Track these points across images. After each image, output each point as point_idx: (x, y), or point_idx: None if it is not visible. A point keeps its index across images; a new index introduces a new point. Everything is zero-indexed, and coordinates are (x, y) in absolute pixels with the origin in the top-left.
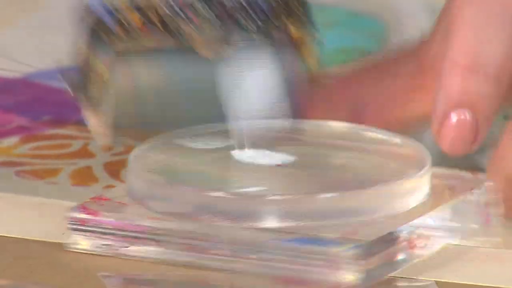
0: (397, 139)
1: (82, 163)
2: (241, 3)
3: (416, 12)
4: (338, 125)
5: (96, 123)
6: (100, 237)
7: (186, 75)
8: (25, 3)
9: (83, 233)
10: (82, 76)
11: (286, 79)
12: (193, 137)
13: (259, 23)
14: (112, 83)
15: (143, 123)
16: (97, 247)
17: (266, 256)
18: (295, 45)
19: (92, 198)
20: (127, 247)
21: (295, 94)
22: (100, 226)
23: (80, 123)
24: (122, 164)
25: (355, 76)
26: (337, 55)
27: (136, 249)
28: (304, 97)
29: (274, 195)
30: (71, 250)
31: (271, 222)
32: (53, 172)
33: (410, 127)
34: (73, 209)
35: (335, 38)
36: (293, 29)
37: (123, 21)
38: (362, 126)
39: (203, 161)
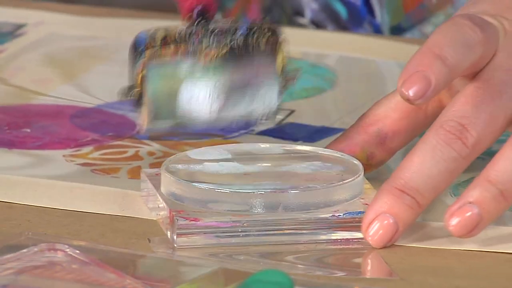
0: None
1: (135, 163)
2: (229, 27)
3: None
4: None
5: (142, 115)
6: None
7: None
8: (98, 56)
9: (189, 234)
10: (131, 86)
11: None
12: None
13: (242, 36)
14: (146, 81)
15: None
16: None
17: None
18: (269, 51)
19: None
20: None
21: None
22: (203, 227)
23: (132, 137)
24: (161, 164)
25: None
26: (301, 92)
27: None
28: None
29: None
30: (181, 247)
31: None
32: (116, 169)
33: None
34: (178, 219)
35: (301, 81)
36: (266, 38)
37: (152, 38)
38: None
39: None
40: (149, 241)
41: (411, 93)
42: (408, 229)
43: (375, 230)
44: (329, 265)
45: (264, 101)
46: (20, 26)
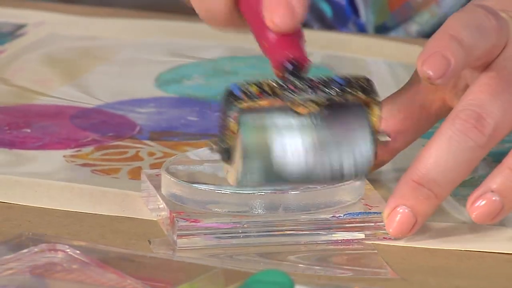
0: None
1: (135, 164)
2: (324, 79)
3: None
4: None
5: (233, 169)
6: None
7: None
8: (98, 57)
9: (190, 236)
10: (222, 136)
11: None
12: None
13: (337, 90)
14: (240, 135)
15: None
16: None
17: None
18: (365, 107)
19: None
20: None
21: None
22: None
23: (133, 137)
24: (161, 165)
25: None
26: None
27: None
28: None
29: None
30: (181, 248)
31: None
32: (116, 170)
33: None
34: (179, 220)
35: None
36: (361, 95)
37: (245, 91)
38: None
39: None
40: (150, 243)
41: (431, 72)
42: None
43: (393, 221)
44: (329, 265)
45: (357, 157)
46: (20, 27)
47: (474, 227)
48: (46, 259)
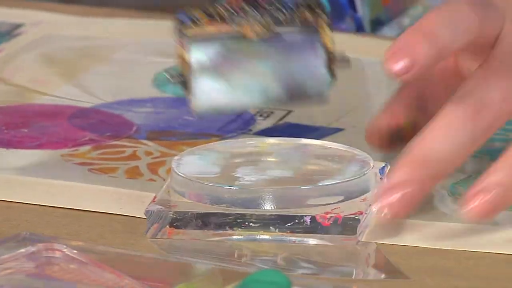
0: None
1: (132, 163)
2: (273, 2)
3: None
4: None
5: (190, 98)
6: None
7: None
8: (96, 57)
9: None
10: (176, 68)
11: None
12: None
13: (286, 13)
14: (190, 61)
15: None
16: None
17: None
18: (315, 26)
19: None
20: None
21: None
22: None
23: (130, 137)
24: (159, 164)
25: None
26: None
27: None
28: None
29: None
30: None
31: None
32: (113, 169)
33: None
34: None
35: None
36: (308, 15)
37: (194, 19)
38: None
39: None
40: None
41: (396, 67)
42: (407, 229)
43: (389, 201)
44: (326, 265)
45: (310, 77)
46: (17, 26)
47: (472, 227)
48: (44, 259)
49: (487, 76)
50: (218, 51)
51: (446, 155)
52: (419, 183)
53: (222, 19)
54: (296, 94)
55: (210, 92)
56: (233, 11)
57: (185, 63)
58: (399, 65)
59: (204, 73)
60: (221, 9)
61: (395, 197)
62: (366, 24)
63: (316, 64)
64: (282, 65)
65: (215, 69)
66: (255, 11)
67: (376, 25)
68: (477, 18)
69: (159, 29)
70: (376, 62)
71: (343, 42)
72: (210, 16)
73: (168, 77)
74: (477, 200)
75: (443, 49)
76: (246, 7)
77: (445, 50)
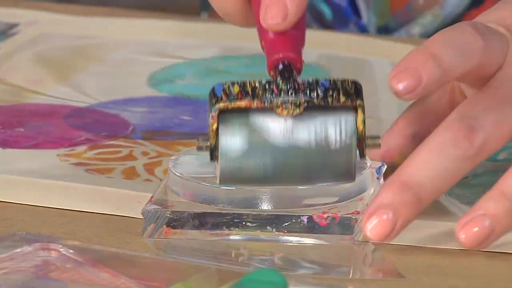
0: None
1: (129, 164)
2: (310, 82)
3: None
4: None
5: (217, 168)
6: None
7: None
8: (92, 56)
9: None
10: (207, 135)
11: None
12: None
13: (319, 93)
14: (219, 134)
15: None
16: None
17: None
18: (351, 110)
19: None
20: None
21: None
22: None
23: (126, 137)
24: (155, 165)
25: None
26: None
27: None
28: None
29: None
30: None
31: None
32: (110, 169)
33: None
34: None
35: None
36: (342, 98)
37: (227, 92)
38: None
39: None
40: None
41: (400, 86)
42: (404, 228)
43: (374, 224)
44: (323, 264)
45: (336, 159)
46: (12, 26)
47: None
48: (40, 258)
49: (481, 101)
50: (246, 126)
51: (429, 180)
52: (400, 207)
53: (255, 95)
54: (323, 172)
55: (235, 165)
56: (268, 87)
57: (214, 134)
58: (403, 84)
59: (231, 147)
60: (257, 84)
61: (372, 222)
62: (372, 32)
63: (347, 144)
64: (311, 144)
65: (242, 143)
66: (291, 89)
67: (384, 32)
68: (481, 44)
69: (156, 29)
70: (384, 63)
71: (348, 42)
72: (245, 91)
73: (198, 144)
74: (465, 232)
75: (447, 71)
76: (282, 85)
77: (450, 73)
